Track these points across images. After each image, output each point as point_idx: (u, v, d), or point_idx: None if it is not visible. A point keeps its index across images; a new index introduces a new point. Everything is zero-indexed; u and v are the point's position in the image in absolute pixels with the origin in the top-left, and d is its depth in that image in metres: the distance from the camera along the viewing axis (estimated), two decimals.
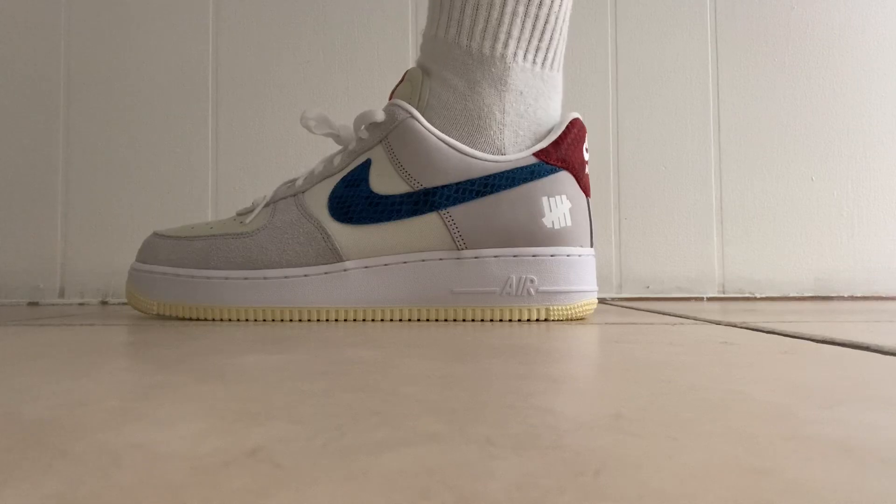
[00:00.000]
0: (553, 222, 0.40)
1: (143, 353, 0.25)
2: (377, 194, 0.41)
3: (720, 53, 0.77)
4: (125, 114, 0.77)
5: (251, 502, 0.08)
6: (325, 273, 0.42)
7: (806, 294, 0.76)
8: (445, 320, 0.41)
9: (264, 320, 0.42)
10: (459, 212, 0.40)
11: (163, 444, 0.11)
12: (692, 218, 0.77)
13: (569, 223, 0.40)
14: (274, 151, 0.76)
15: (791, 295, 0.76)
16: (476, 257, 0.40)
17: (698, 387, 0.17)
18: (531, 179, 0.40)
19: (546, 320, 0.39)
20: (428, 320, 0.41)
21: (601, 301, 0.70)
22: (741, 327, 0.34)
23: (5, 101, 0.77)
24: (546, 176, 0.40)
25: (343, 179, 0.42)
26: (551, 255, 0.40)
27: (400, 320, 0.41)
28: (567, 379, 0.18)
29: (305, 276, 0.42)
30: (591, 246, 0.42)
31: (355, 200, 0.41)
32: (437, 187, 0.40)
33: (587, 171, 0.42)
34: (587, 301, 0.41)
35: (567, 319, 0.40)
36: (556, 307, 0.40)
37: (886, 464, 0.10)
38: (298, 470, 0.10)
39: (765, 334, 0.30)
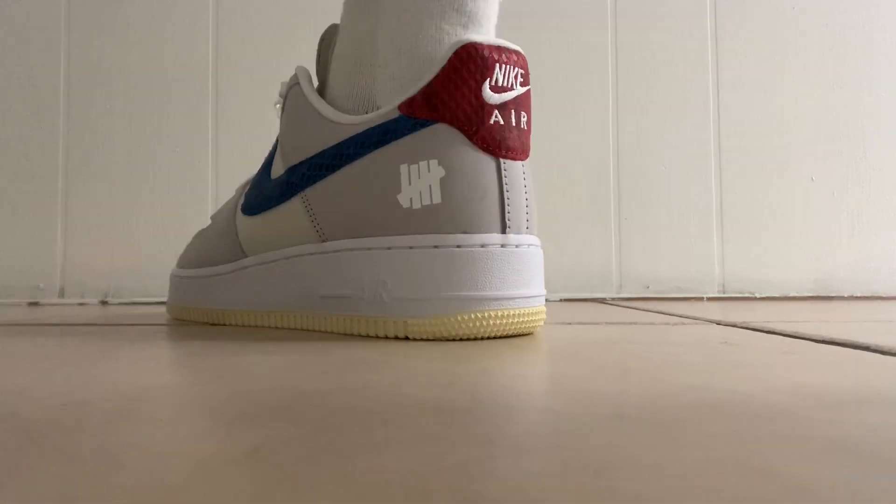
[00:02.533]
0: (412, 199, 0.28)
1: (143, 353, 0.25)
2: (270, 179, 0.35)
3: (720, 53, 0.77)
4: (125, 114, 0.77)
5: (251, 502, 0.08)
6: (231, 272, 0.37)
7: (806, 294, 0.76)
8: (312, 330, 0.32)
9: (186, 321, 0.40)
10: (316, 193, 0.31)
11: (163, 445, 0.11)
12: (692, 218, 0.77)
13: (437, 199, 0.28)
14: None
15: (791, 295, 0.76)
16: (335, 251, 0.31)
17: (698, 387, 0.17)
18: (385, 142, 0.29)
19: (406, 338, 0.28)
20: (301, 329, 0.33)
21: (601, 301, 0.70)
22: (741, 327, 0.34)
23: (5, 102, 0.77)
24: (406, 135, 0.28)
25: (261, 166, 0.37)
26: (409, 248, 0.28)
27: (279, 328, 0.34)
28: (567, 379, 0.18)
29: (217, 275, 0.38)
30: (504, 231, 0.28)
31: (257, 188, 0.36)
32: (295, 164, 0.32)
33: (498, 118, 0.28)
34: (464, 314, 0.27)
35: (436, 339, 0.28)
36: (414, 321, 0.28)
37: (886, 464, 0.10)
38: (298, 470, 0.10)
39: (765, 334, 0.30)
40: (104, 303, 0.74)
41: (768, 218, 0.77)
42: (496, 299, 0.28)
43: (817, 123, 0.77)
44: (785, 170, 0.77)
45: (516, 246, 0.28)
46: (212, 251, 0.40)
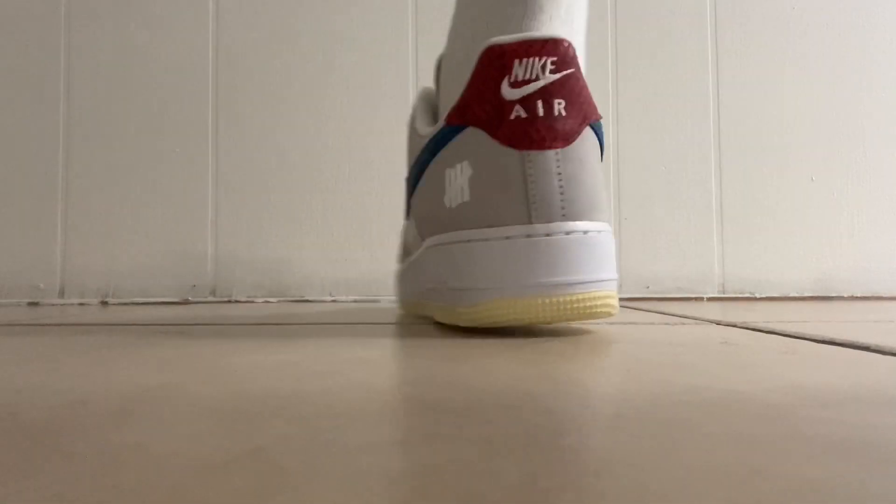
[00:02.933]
0: (451, 199, 0.31)
1: (143, 353, 0.25)
2: None
3: (720, 53, 0.77)
4: (125, 113, 0.77)
5: (251, 502, 0.08)
6: (408, 265, 0.42)
7: (806, 294, 0.76)
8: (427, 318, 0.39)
9: None
10: (413, 199, 0.36)
11: (163, 444, 0.11)
12: (692, 218, 0.77)
13: (467, 197, 0.30)
14: (274, 151, 0.76)
15: (791, 295, 0.76)
16: (425, 248, 0.35)
17: (698, 387, 0.17)
18: (437, 151, 0.32)
19: (464, 328, 0.30)
20: (425, 316, 0.39)
21: None
22: (741, 327, 0.34)
23: (5, 101, 0.77)
24: (448, 143, 0.31)
25: None
26: (452, 243, 0.30)
27: (418, 315, 0.40)
28: (567, 379, 0.18)
29: (406, 267, 0.43)
30: (530, 221, 0.28)
31: None
32: (407, 175, 0.38)
33: (520, 112, 0.29)
34: (493, 302, 0.29)
35: (482, 327, 0.30)
36: (461, 310, 0.30)
37: (886, 464, 0.10)
38: (298, 470, 0.10)
39: (765, 334, 0.30)
40: (104, 303, 0.74)
41: (768, 218, 0.77)
42: (517, 287, 0.28)
43: (817, 123, 0.77)
44: (785, 170, 0.77)
45: (546, 235, 0.28)
46: (407, 242, 0.44)
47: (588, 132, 0.29)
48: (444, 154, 0.31)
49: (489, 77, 0.29)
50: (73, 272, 0.75)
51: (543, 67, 0.29)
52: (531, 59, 0.29)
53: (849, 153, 0.77)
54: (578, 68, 0.29)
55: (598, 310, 0.29)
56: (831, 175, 0.77)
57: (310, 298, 0.74)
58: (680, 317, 0.42)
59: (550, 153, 0.29)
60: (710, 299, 0.75)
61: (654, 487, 0.09)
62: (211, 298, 0.75)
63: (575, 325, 0.36)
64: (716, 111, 0.77)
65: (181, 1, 0.77)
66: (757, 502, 0.08)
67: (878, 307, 0.56)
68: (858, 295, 0.76)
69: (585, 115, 0.29)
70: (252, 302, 0.74)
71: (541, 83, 0.29)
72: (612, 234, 0.30)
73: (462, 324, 0.30)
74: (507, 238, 0.28)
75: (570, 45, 0.29)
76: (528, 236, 0.28)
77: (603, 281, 0.29)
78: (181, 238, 0.76)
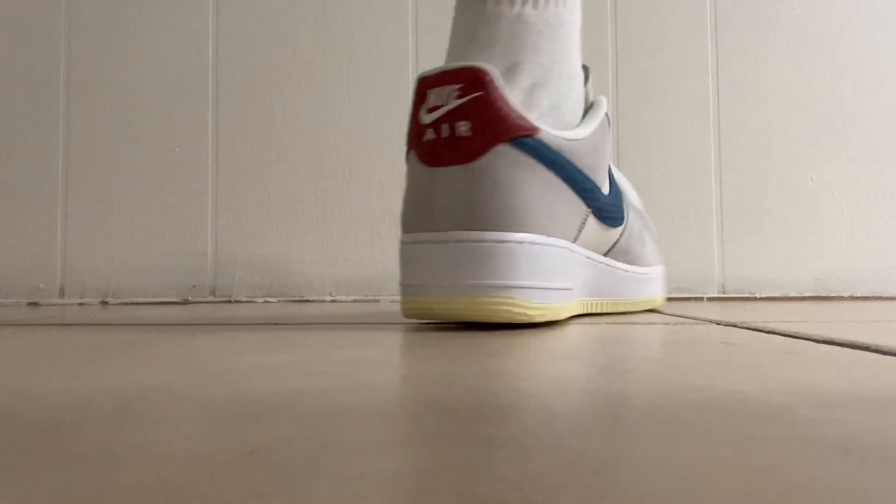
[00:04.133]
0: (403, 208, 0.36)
1: (143, 353, 0.25)
2: None
3: (720, 53, 0.77)
4: (125, 114, 0.77)
5: (251, 502, 0.08)
6: None
7: (806, 294, 0.76)
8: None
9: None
10: None
11: (163, 444, 0.11)
12: (692, 218, 0.77)
13: (403, 207, 0.35)
14: (274, 151, 0.76)
15: (791, 295, 0.76)
16: None
17: (698, 387, 0.17)
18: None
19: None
20: None
21: None
22: (741, 327, 0.34)
23: (5, 101, 0.77)
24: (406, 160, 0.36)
25: None
26: (400, 244, 0.35)
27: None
28: (567, 379, 0.18)
29: None
30: (463, 227, 0.32)
31: None
32: None
33: (441, 132, 0.33)
34: (410, 298, 0.33)
35: (419, 321, 0.35)
36: (401, 303, 0.35)
37: (886, 464, 0.10)
38: (298, 470, 0.10)
39: (765, 334, 0.30)
40: (104, 303, 0.74)
41: (768, 218, 0.77)
42: (419, 286, 0.33)
43: (817, 123, 0.77)
44: (785, 170, 0.77)
45: (443, 241, 0.32)
46: None
47: (501, 149, 0.32)
48: None
49: (415, 105, 0.34)
50: (73, 272, 0.75)
51: (450, 94, 0.33)
52: (442, 88, 0.33)
53: (849, 154, 0.77)
54: (491, 91, 0.32)
55: (494, 313, 0.32)
56: (831, 175, 0.77)
57: (310, 298, 0.74)
58: (680, 317, 0.42)
59: (452, 169, 0.33)
60: (710, 299, 0.75)
61: (654, 487, 0.09)
62: (211, 298, 0.75)
63: (573, 326, 0.36)
64: (716, 111, 0.77)
65: (181, 1, 0.77)
66: (757, 502, 0.08)
67: (878, 307, 0.56)
68: (858, 295, 0.76)
69: (495, 134, 0.32)
70: (252, 302, 0.74)
71: (447, 108, 0.33)
72: (528, 244, 0.33)
73: (404, 315, 0.35)
74: (416, 243, 0.33)
75: (478, 71, 0.33)
76: (431, 242, 0.33)
77: (493, 287, 0.32)
78: (181, 238, 0.76)
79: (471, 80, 0.33)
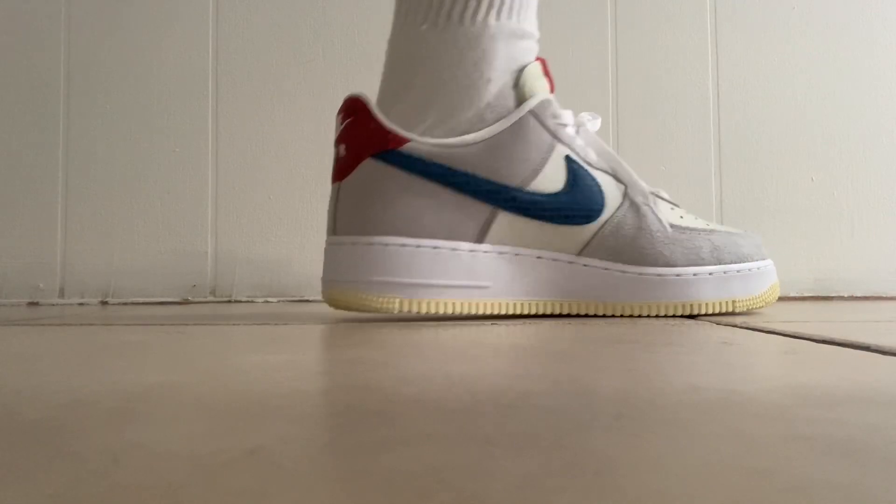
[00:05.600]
0: None
1: (143, 353, 0.25)
2: None
3: (720, 53, 0.77)
4: (125, 113, 0.77)
5: (251, 502, 0.08)
6: None
7: (806, 294, 0.76)
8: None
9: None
10: None
11: (163, 444, 0.11)
12: None
13: None
14: (274, 151, 0.76)
15: (791, 295, 0.76)
16: None
17: (698, 387, 0.17)
18: None
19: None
20: None
21: None
22: (741, 327, 0.34)
23: (5, 101, 0.77)
24: None
25: None
26: None
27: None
28: (567, 379, 0.18)
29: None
30: (334, 233, 0.40)
31: None
32: None
33: (336, 154, 0.40)
34: (324, 290, 0.41)
35: (331, 307, 0.41)
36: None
37: (886, 464, 0.10)
38: (298, 470, 0.10)
39: (765, 334, 0.30)
40: (104, 303, 0.74)
41: (768, 218, 0.77)
42: (322, 281, 0.41)
43: (817, 123, 0.77)
44: (785, 170, 0.77)
45: (329, 244, 0.41)
46: None
47: (367, 163, 0.39)
48: None
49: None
50: (73, 272, 0.75)
51: (340, 122, 0.41)
52: (339, 116, 0.41)
53: (849, 153, 0.77)
54: (361, 116, 0.39)
55: (348, 303, 0.39)
56: (831, 175, 0.77)
57: (310, 298, 0.74)
58: (680, 317, 0.42)
59: (336, 185, 0.41)
60: None
61: (654, 487, 0.09)
62: (211, 298, 0.75)
63: (573, 326, 0.36)
64: (716, 111, 0.77)
65: (181, 1, 0.77)
66: (757, 502, 0.08)
67: (878, 307, 0.56)
68: (858, 295, 0.76)
69: (362, 151, 0.39)
70: (252, 302, 0.74)
71: (337, 134, 0.41)
72: (381, 246, 0.39)
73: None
74: (327, 245, 0.41)
75: (355, 99, 0.40)
76: (329, 244, 0.41)
77: (352, 281, 0.39)
78: (181, 238, 0.76)
79: (350, 108, 0.40)
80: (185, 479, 0.09)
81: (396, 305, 0.38)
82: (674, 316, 0.42)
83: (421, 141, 0.38)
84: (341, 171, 0.40)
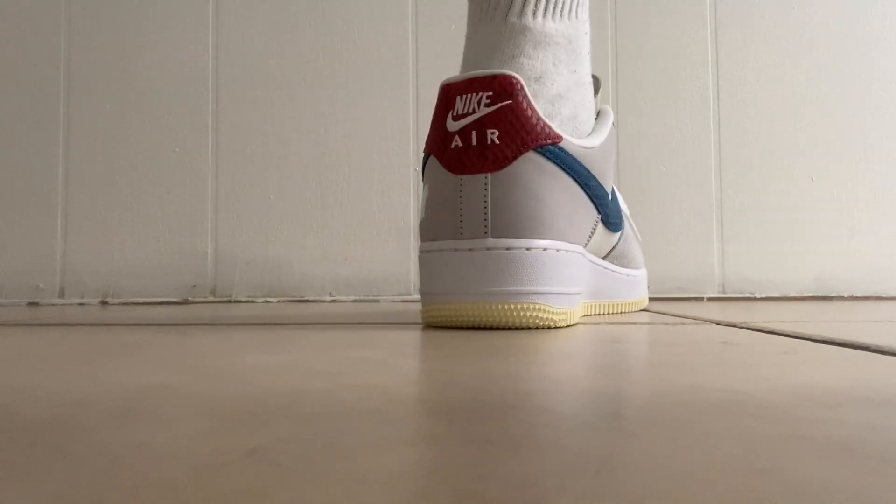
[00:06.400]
0: (420, 215, 0.35)
1: (143, 353, 0.25)
2: None
3: (720, 53, 0.77)
4: (125, 113, 0.77)
5: (251, 502, 0.08)
6: None
7: (806, 294, 0.76)
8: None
9: None
10: None
11: (163, 444, 0.11)
12: (692, 218, 0.77)
13: (423, 214, 0.35)
14: (274, 151, 0.76)
15: (791, 295, 0.76)
16: None
17: (698, 387, 0.17)
18: (423, 174, 0.36)
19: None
20: None
21: None
22: (741, 327, 0.34)
23: (5, 101, 0.77)
24: (424, 167, 0.36)
25: None
26: (419, 252, 0.35)
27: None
28: (567, 379, 0.18)
29: None
30: (487, 234, 0.33)
31: None
32: None
33: (470, 139, 0.33)
34: (434, 306, 0.34)
35: (435, 326, 0.34)
36: (421, 311, 0.35)
37: (886, 464, 0.10)
38: (298, 470, 0.10)
39: (765, 334, 0.30)
40: (104, 303, 0.74)
41: (768, 218, 0.77)
42: (444, 293, 0.33)
43: (817, 123, 0.77)
44: (785, 170, 0.77)
45: (469, 249, 0.33)
46: None
47: (529, 157, 0.33)
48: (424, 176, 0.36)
49: (439, 111, 0.34)
50: (73, 272, 0.75)
51: (479, 102, 0.33)
52: (470, 95, 0.33)
53: (849, 153, 0.77)
54: (521, 100, 0.33)
55: (521, 319, 0.32)
56: (831, 175, 0.77)
57: (310, 298, 0.74)
58: (680, 317, 0.42)
59: (480, 177, 0.33)
60: (710, 299, 0.75)
61: (654, 487, 0.09)
62: (211, 298, 0.75)
63: (573, 326, 0.36)
64: (716, 111, 0.77)
65: (181, 1, 0.77)
66: (757, 502, 0.08)
67: (878, 307, 0.56)
68: (858, 295, 0.76)
69: (523, 143, 0.33)
70: (252, 302, 0.74)
71: (476, 115, 0.33)
72: (552, 251, 0.33)
73: (425, 322, 0.35)
74: (441, 251, 0.33)
75: (508, 79, 0.33)
76: (456, 250, 0.33)
77: (521, 293, 0.32)
78: (181, 238, 0.76)
79: (501, 89, 0.33)
80: (185, 479, 0.09)
81: (567, 318, 0.34)
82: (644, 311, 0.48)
83: (569, 140, 0.35)
84: (493, 161, 0.33)
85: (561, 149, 0.34)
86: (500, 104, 0.33)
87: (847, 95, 0.77)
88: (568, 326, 0.35)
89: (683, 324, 0.37)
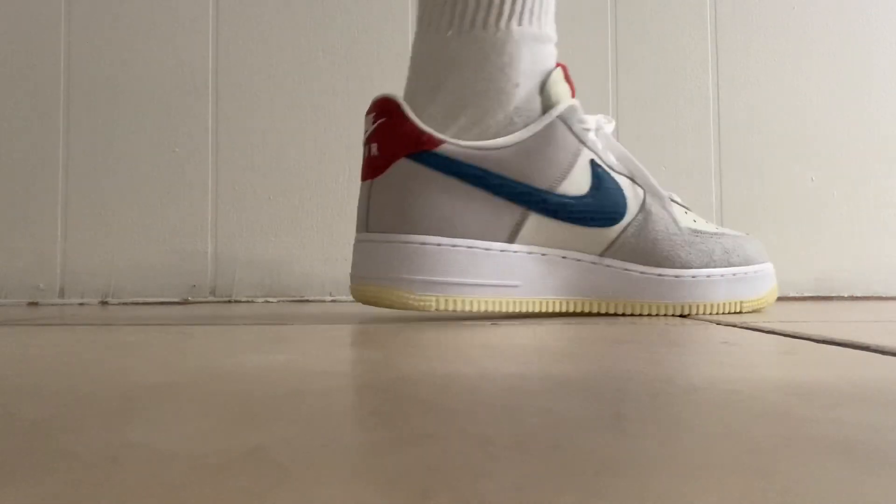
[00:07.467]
0: None
1: (143, 353, 0.25)
2: None
3: (720, 53, 0.77)
4: (125, 114, 0.77)
5: (251, 502, 0.08)
6: None
7: (806, 294, 0.76)
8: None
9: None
10: None
11: (163, 444, 0.11)
12: None
13: None
14: (274, 151, 0.76)
15: (791, 295, 0.76)
16: None
17: (698, 387, 0.17)
18: None
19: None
20: None
21: None
22: (741, 327, 0.34)
23: (5, 101, 0.77)
24: None
25: None
26: None
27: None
28: (567, 379, 0.18)
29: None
30: (367, 230, 0.40)
31: None
32: None
33: (366, 153, 0.41)
34: (350, 285, 0.41)
35: (361, 303, 0.41)
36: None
37: (886, 464, 0.10)
38: (298, 470, 0.10)
39: (765, 334, 0.30)
40: (104, 303, 0.74)
41: (768, 218, 0.77)
42: (353, 276, 0.41)
43: (817, 123, 0.77)
44: (785, 170, 0.77)
45: (360, 241, 0.41)
46: None
47: (400, 164, 0.40)
48: None
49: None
50: (73, 272, 0.75)
51: (372, 121, 0.41)
52: (370, 116, 0.42)
53: (849, 153, 0.77)
54: (395, 117, 0.40)
55: (383, 300, 0.39)
56: (831, 175, 0.77)
57: (310, 298, 0.74)
58: (680, 317, 0.42)
59: (367, 183, 0.41)
60: None
61: (654, 487, 0.09)
62: (211, 298, 0.75)
63: (572, 326, 0.36)
64: (716, 111, 0.77)
65: (181, 2, 0.77)
66: (757, 502, 0.08)
67: (878, 307, 0.56)
68: (858, 295, 0.76)
69: (395, 153, 0.40)
70: (252, 302, 0.74)
71: (368, 132, 0.42)
72: (416, 245, 0.39)
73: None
74: (357, 241, 0.41)
75: (387, 100, 0.41)
76: (359, 241, 0.41)
77: (388, 279, 0.39)
78: (181, 238, 0.76)
79: (381, 109, 0.41)
80: (185, 479, 0.09)
81: (433, 303, 0.39)
82: (686, 315, 0.44)
83: (455, 143, 0.39)
84: (374, 169, 0.40)
85: (436, 154, 0.39)
86: (379, 121, 0.41)
87: (847, 95, 0.77)
88: (552, 324, 0.35)
89: (683, 324, 0.37)
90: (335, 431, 0.12)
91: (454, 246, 0.39)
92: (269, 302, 0.74)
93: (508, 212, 0.40)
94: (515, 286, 0.41)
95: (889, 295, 0.75)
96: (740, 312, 0.44)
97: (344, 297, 0.74)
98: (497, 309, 0.40)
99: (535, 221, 0.41)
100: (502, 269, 0.40)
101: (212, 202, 0.76)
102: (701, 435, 0.12)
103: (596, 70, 0.77)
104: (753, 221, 0.77)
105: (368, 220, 0.40)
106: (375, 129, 0.41)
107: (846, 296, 0.76)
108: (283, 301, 0.74)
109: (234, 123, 0.76)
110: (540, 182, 0.41)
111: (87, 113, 0.76)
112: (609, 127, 0.45)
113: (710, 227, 0.46)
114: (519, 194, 0.40)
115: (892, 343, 0.25)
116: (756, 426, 0.12)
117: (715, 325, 0.36)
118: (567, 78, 0.44)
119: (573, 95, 0.44)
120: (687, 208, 0.47)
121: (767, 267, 0.47)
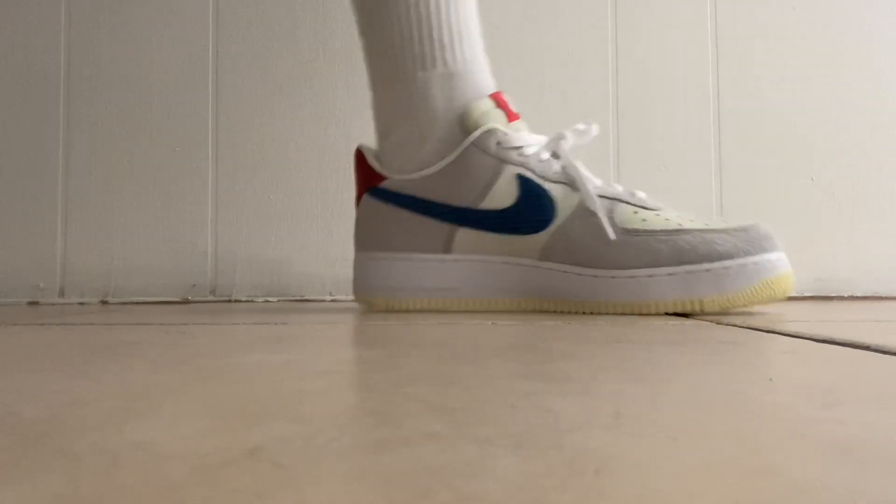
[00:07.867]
0: None
1: (143, 353, 0.25)
2: None
3: (720, 53, 0.77)
4: (125, 113, 0.77)
5: (251, 502, 0.08)
6: None
7: (806, 294, 0.76)
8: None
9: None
10: None
11: (163, 444, 0.11)
12: None
13: None
14: (274, 151, 0.76)
15: (791, 295, 0.76)
16: None
17: (698, 387, 0.17)
18: None
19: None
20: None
21: None
22: (741, 327, 0.34)
23: (5, 101, 0.77)
24: None
25: None
26: None
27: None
28: (567, 379, 0.18)
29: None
30: (355, 250, 0.53)
31: None
32: None
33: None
34: (354, 291, 0.53)
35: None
36: None
37: (886, 464, 0.10)
38: (298, 470, 0.10)
39: (765, 334, 0.30)
40: (104, 302, 0.74)
41: (768, 218, 0.77)
42: (352, 284, 0.54)
43: (817, 123, 0.77)
44: (785, 170, 0.77)
45: (355, 257, 0.54)
46: None
47: (364, 198, 0.51)
48: None
49: None
50: (73, 272, 0.75)
51: (354, 166, 0.54)
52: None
53: (849, 153, 0.77)
54: (361, 162, 0.52)
55: (360, 301, 0.52)
56: (831, 175, 0.77)
57: (310, 298, 0.74)
58: (680, 317, 0.42)
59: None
60: None
61: (654, 487, 0.09)
62: (211, 298, 0.75)
63: (572, 326, 0.36)
64: (716, 110, 0.77)
65: (181, 1, 0.77)
66: (757, 502, 0.08)
67: (878, 307, 0.56)
68: (858, 295, 0.76)
69: (360, 189, 0.52)
70: (252, 301, 0.74)
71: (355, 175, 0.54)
72: (369, 259, 0.51)
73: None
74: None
75: (357, 149, 0.53)
76: (354, 257, 0.53)
77: (361, 287, 0.52)
78: (181, 237, 0.76)
79: (356, 156, 0.53)
80: (185, 479, 0.09)
81: (381, 302, 0.50)
82: (686, 315, 0.44)
83: (396, 177, 0.49)
84: (356, 202, 0.53)
85: (381, 188, 0.50)
86: (356, 166, 0.52)
87: (847, 95, 0.77)
88: (551, 324, 0.35)
89: (683, 324, 0.37)
90: (335, 431, 0.12)
91: (395, 259, 0.50)
92: (269, 301, 0.74)
93: (438, 228, 0.48)
94: (454, 289, 0.49)
95: (889, 295, 0.75)
96: (703, 311, 0.44)
97: (344, 297, 0.74)
98: (441, 308, 0.49)
99: (464, 234, 0.48)
100: (439, 275, 0.49)
101: (212, 202, 0.76)
102: (701, 435, 0.12)
103: (596, 70, 0.77)
104: (753, 221, 0.77)
105: (355, 242, 0.53)
106: (355, 172, 0.53)
107: (846, 296, 0.76)
108: (283, 301, 0.74)
109: (235, 123, 0.76)
110: (460, 201, 0.48)
111: (87, 112, 0.76)
112: (586, 134, 0.49)
113: (672, 225, 0.46)
114: (443, 213, 0.48)
115: (892, 343, 0.25)
116: (756, 426, 0.12)
117: (715, 325, 0.36)
118: (502, 105, 0.49)
119: (511, 118, 0.49)
120: (645, 207, 0.47)
121: (751, 260, 0.44)
